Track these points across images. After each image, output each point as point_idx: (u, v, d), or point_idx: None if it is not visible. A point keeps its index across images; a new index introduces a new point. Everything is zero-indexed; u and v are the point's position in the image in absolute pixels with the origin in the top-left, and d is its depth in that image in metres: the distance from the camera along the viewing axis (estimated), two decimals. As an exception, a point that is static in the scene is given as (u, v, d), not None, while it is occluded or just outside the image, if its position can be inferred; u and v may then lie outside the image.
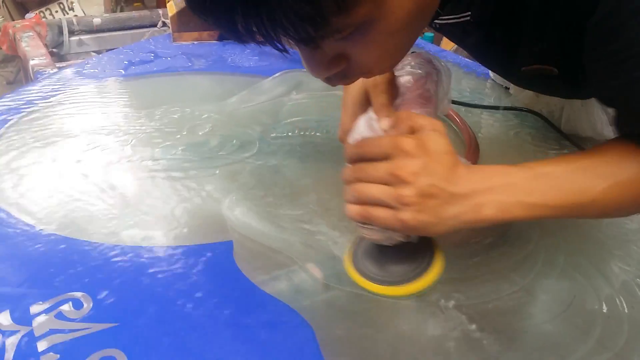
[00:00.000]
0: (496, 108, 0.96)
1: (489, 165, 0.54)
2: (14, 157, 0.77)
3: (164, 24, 1.61)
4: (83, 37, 1.58)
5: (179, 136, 0.84)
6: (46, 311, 0.51)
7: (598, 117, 0.89)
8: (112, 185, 0.71)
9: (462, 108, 0.96)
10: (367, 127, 0.55)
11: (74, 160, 0.76)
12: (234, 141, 0.83)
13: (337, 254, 0.60)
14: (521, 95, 0.99)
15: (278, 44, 0.40)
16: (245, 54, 1.22)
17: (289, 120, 0.90)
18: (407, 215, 0.49)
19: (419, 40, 1.38)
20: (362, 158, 0.52)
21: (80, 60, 1.39)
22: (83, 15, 2.38)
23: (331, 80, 0.49)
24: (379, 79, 0.59)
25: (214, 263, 0.59)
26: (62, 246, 0.60)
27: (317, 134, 0.86)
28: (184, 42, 1.26)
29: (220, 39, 1.30)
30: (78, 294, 0.53)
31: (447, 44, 1.95)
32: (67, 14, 2.27)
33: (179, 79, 1.08)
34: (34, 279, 0.55)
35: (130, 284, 0.55)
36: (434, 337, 0.51)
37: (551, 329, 0.53)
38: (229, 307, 0.53)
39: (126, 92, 1.02)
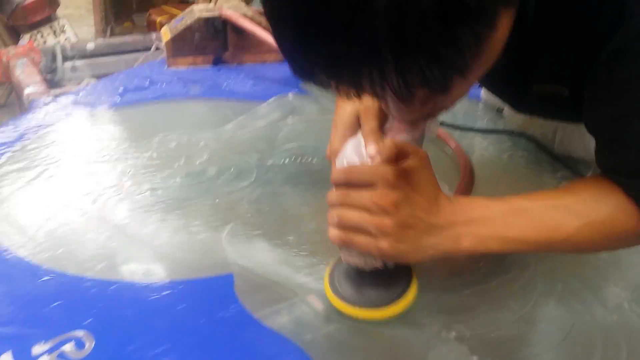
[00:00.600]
0: (490, 132, 0.97)
1: (470, 197, 0.56)
2: (8, 189, 0.77)
3: (157, 48, 1.62)
4: (77, 62, 1.60)
5: (176, 165, 0.84)
6: (48, 351, 0.51)
7: (591, 139, 0.90)
8: (109, 217, 0.71)
9: (456, 131, 0.97)
10: (354, 151, 0.57)
11: (70, 192, 0.77)
12: (232, 169, 0.83)
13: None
14: (514, 118, 1.00)
15: (405, 92, 0.41)
16: (240, 79, 1.22)
17: (285, 147, 0.91)
18: (385, 244, 0.50)
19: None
20: (347, 183, 0.53)
21: (75, 87, 1.40)
22: (75, 36, 2.39)
23: (417, 122, 0.52)
24: (370, 103, 0.60)
25: (215, 297, 0.59)
26: (61, 281, 0.60)
27: (314, 160, 0.87)
28: (179, 67, 1.27)
29: (215, 63, 1.31)
30: (80, 333, 0.53)
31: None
32: (59, 36, 2.28)
33: (175, 106, 1.09)
34: (34, 317, 0.55)
35: (131, 320, 0.55)
36: (436, 369, 0.51)
37: (551, 358, 0.53)
38: (233, 343, 0.53)
39: (122, 120, 1.02)
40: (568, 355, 0.53)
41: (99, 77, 1.54)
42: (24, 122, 0.97)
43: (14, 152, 0.87)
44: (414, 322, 0.56)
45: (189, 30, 1.26)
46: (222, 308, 0.57)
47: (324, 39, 0.38)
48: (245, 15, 1.27)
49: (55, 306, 0.57)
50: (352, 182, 0.53)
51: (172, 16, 2.24)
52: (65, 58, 1.60)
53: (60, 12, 2.72)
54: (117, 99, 1.10)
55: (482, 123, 1.02)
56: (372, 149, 0.56)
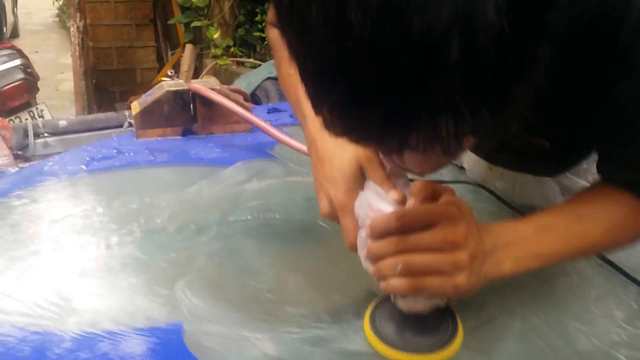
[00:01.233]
0: (453, 182, 0.99)
1: (496, 223, 0.57)
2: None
3: (130, 124, 1.65)
4: (49, 139, 1.61)
5: (136, 224, 0.83)
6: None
7: (550, 188, 0.92)
8: (66, 276, 0.69)
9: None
10: (379, 199, 0.55)
11: (29, 255, 0.75)
12: (192, 226, 0.82)
13: (293, 329, 0.58)
14: (475, 170, 1.03)
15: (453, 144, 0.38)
16: (208, 147, 1.24)
17: (249, 205, 0.91)
18: (462, 279, 0.50)
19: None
20: (403, 229, 0.51)
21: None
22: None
23: (425, 174, 0.52)
24: (371, 153, 0.58)
25: (165, 346, 0.57)
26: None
27: (277, 216, 0.87)
28: (148, 139, 1.29)
29: (184, 134, 1.33)
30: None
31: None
32: (37, 120, 2.32)
33: (141, 172, 1.09)
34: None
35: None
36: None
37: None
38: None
39: (86, 186, 1.02)
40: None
41: (70, 153, 1.55)
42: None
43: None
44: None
45: (157, 103, 1.29)
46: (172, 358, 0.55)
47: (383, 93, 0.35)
48: (213, 89, 1.31)
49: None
50: (407, 227, 0.51)
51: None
52: (37, 135, 1.61)
53: (44, 102, 2.78)
54: (84, 167, 1.10)
55: (446, 178, 1.03)
56: (395, 194, 0.54)
